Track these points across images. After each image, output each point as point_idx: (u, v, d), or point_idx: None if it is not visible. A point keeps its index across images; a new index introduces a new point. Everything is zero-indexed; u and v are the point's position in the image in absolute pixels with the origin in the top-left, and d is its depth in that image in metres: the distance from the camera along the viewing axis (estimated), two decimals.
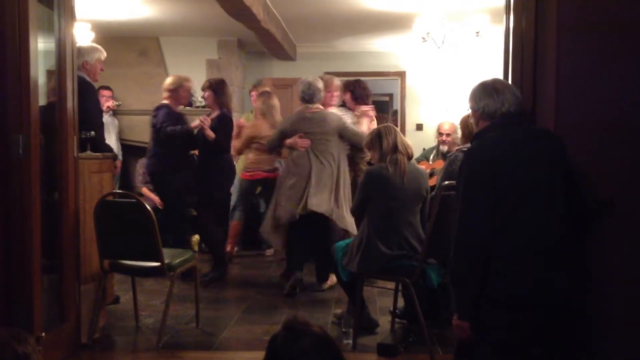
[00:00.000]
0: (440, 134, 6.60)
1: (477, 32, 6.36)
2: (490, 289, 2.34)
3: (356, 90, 5.69)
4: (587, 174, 2.53)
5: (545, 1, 2.72)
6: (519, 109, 2.51)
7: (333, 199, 4.99)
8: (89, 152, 4.01)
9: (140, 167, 7.08)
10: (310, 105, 5.16)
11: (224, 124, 5.45)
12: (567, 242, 2.37)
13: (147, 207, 3.83)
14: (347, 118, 5.48)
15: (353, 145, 5.21)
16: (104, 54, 4.76)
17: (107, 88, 7.33)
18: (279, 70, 8.80)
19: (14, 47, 3.05)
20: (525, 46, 2.80)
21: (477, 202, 2.34)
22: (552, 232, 2.34)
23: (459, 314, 2.41)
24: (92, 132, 4.07)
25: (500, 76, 3.10)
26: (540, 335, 2.40)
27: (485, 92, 2.49)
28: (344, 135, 5.12)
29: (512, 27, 2.90)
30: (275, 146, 5.33)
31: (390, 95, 12.20)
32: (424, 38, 6.40)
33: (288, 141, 5.14)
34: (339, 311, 4.40)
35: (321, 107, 5.25)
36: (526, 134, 2.47)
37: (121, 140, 7.67)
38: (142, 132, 7.71)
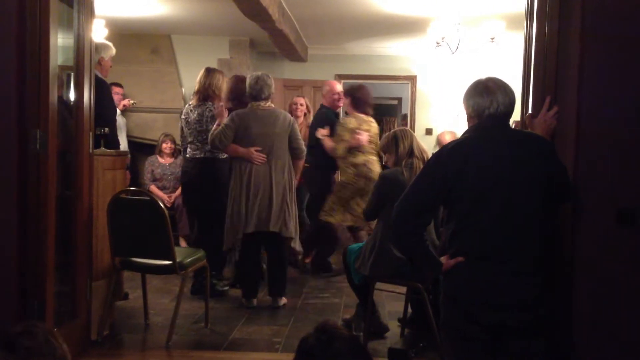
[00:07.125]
0: (440, 143, 6.64)
1: (492, 38, 6.34)
2: (446, 285, 2.43)
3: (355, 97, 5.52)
4: (607, 183, 2.54)
5: (569, 9, 2.70)
6: (509, 110, 2.44)
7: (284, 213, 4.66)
8: (103, 149, 4.01)
9: (149, 165, 7.08)
10: (261, 103, 4.72)
11: None
12: (528, 249, 2.33)
13: (160, 205, 3.83)
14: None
15: (292, 149, 4.78)
16: (114, 51, 4.79)
17: (119, 85, 7.33)
18: (290, 71, 8.81)
19: (34, 42, 3.04)
20: (549, 54, 2.77)
21: (414, 194, 2.41)
22: (506, 238, 2.31)
23: (433, 271, 2.51)
24: (107, 129, 4.08)
25: (519, 83, 3.09)
26: (501, 334, 2.36)
27: (476, 90, 2.44)
28: (291, 136, 4.76)
29: (535, 35, 2.88)
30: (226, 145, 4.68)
31: (399, 99, 12.20)
32: (438, 43, 6.38)
33: (242, 151, 4.63)
34: (347, 316, 4.38)
35: (272, 104, 4.83)
36: (501, 139, 2.38)
37: (131, 137, 7.65)
38: (151, 129, 7.72)
